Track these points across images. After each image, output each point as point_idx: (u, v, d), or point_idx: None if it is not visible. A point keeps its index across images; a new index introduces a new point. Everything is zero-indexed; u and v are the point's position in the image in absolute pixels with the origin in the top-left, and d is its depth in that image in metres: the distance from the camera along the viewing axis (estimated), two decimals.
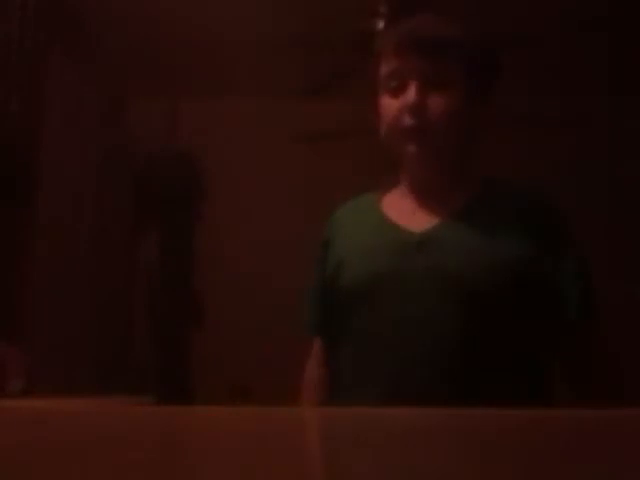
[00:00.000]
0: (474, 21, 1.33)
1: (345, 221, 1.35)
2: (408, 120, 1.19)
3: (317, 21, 3.14)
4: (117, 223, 3.70)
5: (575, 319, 1.19)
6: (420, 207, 1.26)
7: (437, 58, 1.20)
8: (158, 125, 3.81)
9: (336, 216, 1.38)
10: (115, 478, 0.37)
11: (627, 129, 3.79)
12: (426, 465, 0.41)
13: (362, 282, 1.22)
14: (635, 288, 3.61)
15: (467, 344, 1.14)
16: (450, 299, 1.15)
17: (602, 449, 0.51)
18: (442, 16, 1.26)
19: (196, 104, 3.82)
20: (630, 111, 3.75)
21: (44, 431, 0.62)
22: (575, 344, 1.21)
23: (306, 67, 3.31)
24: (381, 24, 3.01)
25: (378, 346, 1.19)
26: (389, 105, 1.23)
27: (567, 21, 3.23)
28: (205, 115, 3.84)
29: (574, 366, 1.21)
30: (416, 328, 1.15)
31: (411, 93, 1.19)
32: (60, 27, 2.98)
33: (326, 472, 0.40)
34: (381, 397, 1.15)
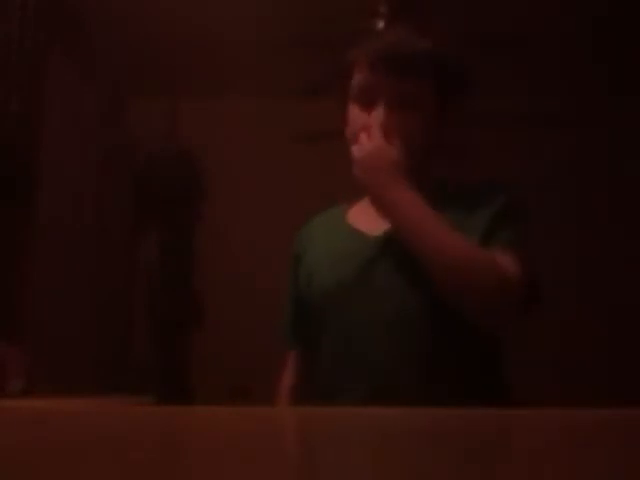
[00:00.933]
0: (443, 33, 1.32)
1: (314, 234, 1.38)
2: (369, 138, 1.20)
3: (317, 21, 3.14)
4: (117, 223, 3.70)
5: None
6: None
7: (406, 76, 1.21)
8: (158, 125, 3.82)
9: (305, 230, 1.41)
10: (115, 478, 0.37)
11: (627, 129, 3.79)
12: (420, 465, 0.41)
13: (330, 289, 1.25)
14: (635, 287, 3.61)
15: (434, 339, 1.16)
16: (412, 297, 1.17)
17: (602, 449, 0.51)
18: (412, 30, 1.28)
19: (196, 104, 3.82)
20: (630, 111, 3.75)
21: (44, 431, 0.62)
22: None
23: (306, 67, 3.31)
24: (381, 24, 3.01)
25: (350, 350, 1.21)
26: (358, 117, 1.25)
27: (567, 21, 3.23)
28: (205, 115, 3.84)
29: None
30: (384, 329, 1.18)
31: (378, 114, 1.21)
32: (60, 27, 2.98)
33: (326, 472, 0.40)
34: (358, 401, 1.16)
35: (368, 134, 1.20)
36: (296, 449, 0.52)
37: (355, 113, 1.25)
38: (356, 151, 1.21)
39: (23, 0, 2.67)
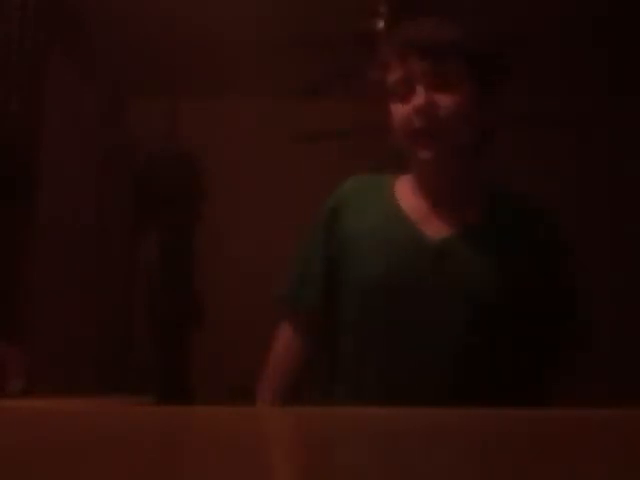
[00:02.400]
0: (474, 22, 1.33)
1: (355, 197, 1.32)
2: (418, 122, 1.20)
3: (317, 21, 3.14)
4: (117, 223, 3.70)
5: (572, 332, 1.26)
6: (435, 213, 1.26)
7: (439, 60, 1.21)
8: (158, 125, 3.81)
9: (344, 189, 1.34)
10: (115, 478, 0.37)
11: (627, 129, 3.79)
12: (421, 465, 0.41)
13: (376, 277, 1.21)
14: (635, 287, 3.61)
15: (471, 354, 1.16)
16: (460, 310, 1.17)
17: (602, 449, 0.51)
18: (440, 19, 1.28)
19: (196, 104, 3.82)
20: (630, 111, 3.75)
21: (44, 431, 0.62)
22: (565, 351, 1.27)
23: (306, 67, 3.31)
24: (381, 24, 3.01)
25: (384, 346, 1.20)
26: (399, 110, 1.23)
27: (567, 21, 3.23)
28: (205, 115, 3.84)
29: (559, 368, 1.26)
30: (422, 333, 1.17)
31: (419, 96, 1.20)
32: (60, 27, 2.98)
33: (327, 471, 0.40)
34: (378, 397, 1.16)
35: (418, 115, 1.19)
36: (296, 449, 0.52)
37: (396, 108, 1.24)
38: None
39: (23, 0, 2.66)
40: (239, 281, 3.64)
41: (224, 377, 3.45)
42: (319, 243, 1.30)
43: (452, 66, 1.21)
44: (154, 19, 3.18)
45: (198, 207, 3.93)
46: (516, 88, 3.64)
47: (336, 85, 3.25)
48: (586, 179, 3.80)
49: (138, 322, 3.77)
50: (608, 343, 3.52)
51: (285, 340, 1.32)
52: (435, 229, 1.24)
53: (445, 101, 1.20)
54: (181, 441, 0.57)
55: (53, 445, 0.51)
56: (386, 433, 0.61)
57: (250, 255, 3.72)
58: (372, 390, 1.18)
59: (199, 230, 3.88)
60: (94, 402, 2.16)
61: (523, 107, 3.71)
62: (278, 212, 3.75)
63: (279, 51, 3.37)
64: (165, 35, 3.29)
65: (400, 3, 2.98)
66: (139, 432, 0.63)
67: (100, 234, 3.47)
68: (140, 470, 0.39)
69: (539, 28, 3.26)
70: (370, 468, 0.41)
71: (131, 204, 3.85)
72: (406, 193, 1.30)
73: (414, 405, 1.01)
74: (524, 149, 3.75)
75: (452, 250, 1.21)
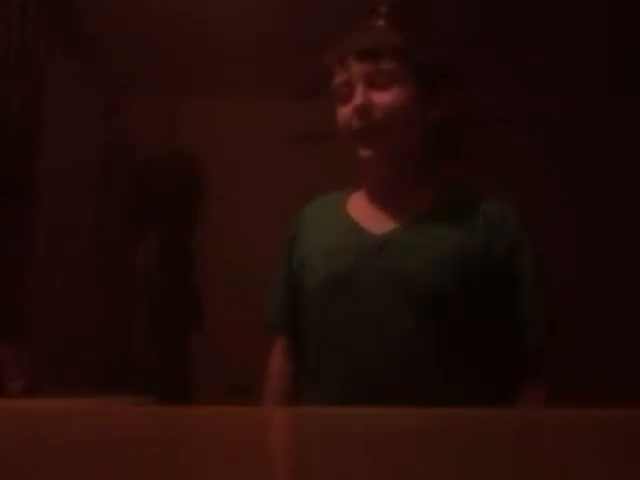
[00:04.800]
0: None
1: (311, 218, 1.38)
2: (356, 122, 1.24)
3: (317, 21, 3.14)
4: (117, 223, 3.70)
5: (531, 322, 1.23)
6: (380, 209, 1.29)
7: (377, 61, 1.25)
8: (158, 125, 3.81)
9: (303, 213, 1.41)
10: (115, 478, 0.37)
11: (627, 129, 3.79)
12: (418, 466, 0.41)
13: (322, 282, 1.25)
14: (635, 287, 3.61)
15: (421, 344, 1.17)
16: (405, 300, 1.18)
17: (602, 449, 0.51)
18: (380, 26, 1.33)
19: (196, 104, 3.82)
20: (630, 111, 3.75)
21: (44, 431, 0.62)
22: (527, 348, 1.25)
23: (306, 67, 3.31)
24: (381, 24, 3.01)
25: (336, 345, 1.22)
26: (342, 112, 1.28)
27: (567, 21, 3.23)
28: (205, 115, 3.84)
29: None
30: (372, 328, 1.19)
31: (357, 96, 1.24)
32: (60, 27, 2.98)
33: (325, 471, 0.40)
34: (340, 396, 1.18)
35: (356, 114, 1.23)
36: (295, 449, 0.52)
37: (340, 110, 1.28)
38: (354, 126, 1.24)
39: (23, 0, 2.66)
40: (239, 281, 3.64)
41: (224, 377, 3.45)
42: (284, 269, 1.38)
43: (390, 66, 1.25)
44: (154, 19, 3.18)
45: (198, 207, 3.92)
46: (516, 88, 3.66)
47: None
48: (586, 179, 3.80)
49: (138, 322, 3.77)
50: (608, 343, 3.53)
51: (275, 360, 1.39)
52: (379, 225, 1.26)
53: (382, 99, 1.24)
54: (181, 441, 0.57)
55: (53, 445, 0.51)
56: (383, 433, 0.61)
57: (250, 255, 3.72)
58: (333, 392, 1.20)
59: (199, 230, 3.88)
60: (94, 402, 2.16)
61: (523, 107, 3.71)
62: (278, 212, 3.75)
63: (279, 51, 3.37)
64: (165, 35, 3.29)
65: (400, 3, 2.97)
66: (139, 432, 0.63)
67: (100, 234, 3.47)
68: (140, 470, 0.39)
69: (539, 28, 3.26)
70: (368, 468, 0.41)
71: (131, 204, 3.85)
72: (357, 201, 1.35)
73: (369, 403, 1.03)
74: (524, 149, 3.76)
75: (393, 242, 1.23)
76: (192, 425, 0.72)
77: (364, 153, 1.24)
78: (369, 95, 1.23)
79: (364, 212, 1.30)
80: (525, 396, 1.21)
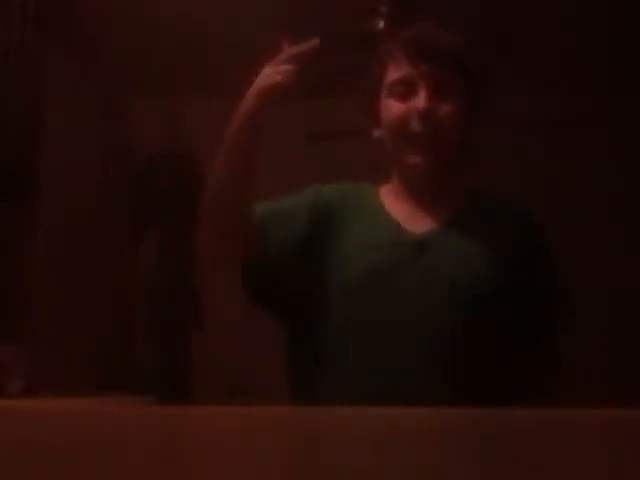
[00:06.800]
0: (471, 34, 1.35)
1: (349, 201, 1.32)
2: (417, 126, 1.20)
3: (317, 21, 3.14)
4: (117, 223, 3.70)
5: (556, 317, 1.28)
6: (415, 208, 1.28)
7: (445, 66, 1.22)
8: (158, 125, 3.81)
9: (342, 190, 1.34)
10: (115, 478, 0.37)
11: (627, 129, 3.79)
12: (421, 466, 0.41)
13: (358, 275, 1.21)
14: (635, 288, 3.61)
15: (456, 345, 1.16)
16: (445, 301, 1.17)
17: (602, 449, 0.51)
18: (441, 27, 1.30)
19: (196, 104, 3.82)
20: (630, 111, 3.74)
21: (44, 431, 0.62)
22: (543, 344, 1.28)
23: (306, 67, 3.31)
24: (381, 24, 3.01)
25: (365, 339, 1.19)
26: (396, 108, 1.23)
27: (567, 21, 3.23)
28: (205, 115, 3.84)
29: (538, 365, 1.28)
30: (408, 326, 1.17)
31: (421, 98, 1.20)
32: (60, 27, 2.98)
33: (326, 471, 0.40)
34: (361, 389, 1.16)
35: (418, 118, 1.19)
36: (296, 449, 0.52)
37: (392, 105, 1.24)
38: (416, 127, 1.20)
39: (23, 0, 2.66)
40: (239, 281, 3.64)
41: (224, 377, 3.44)
42: (302, 218, 1.29)
43: (452, 74, 1.23)
44: (154, 19, 3.18)
45: (198, 207, 3.92)
46: (516, 88, 3.65)
47: (336, 85, 3.25)
48: (586, 179, 3.79)
49: (138, 322, 3.77)
50: (606, 343, 3.53)
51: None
52: (416, 225, 1.25)
53: (446, 108, 1.21)
54: (181, 441, 0.57)
55: (53, 445, 0.50)
56: (388, 433, 0.61)
57: None
58: (353, 385, 1.18)
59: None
60: (94, 402, 2.16)
61: (523, 107, 3.71)
62: None
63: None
64: (165, 35, 3.29)
65: (400, 3, 2.98)
66: (139, 432, 0.63)
67: (100, 234, 3.47)
68: (140, 470, 0.39)
69: (539, 28, 3.26)
70: (371, 468, 0.41)
71: (131, 204, 3.85)
72: (389, 198, 1.32)
73: (405, 403, 1.02)
74: (524, 149, 3.75)
75: (434, 242, 1.22)
76: (192, 425, 0.72)
77: (414, 159, 1.22)
78: (434, 100, 1.20)
79: (400, 210, 1.28)
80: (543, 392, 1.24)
